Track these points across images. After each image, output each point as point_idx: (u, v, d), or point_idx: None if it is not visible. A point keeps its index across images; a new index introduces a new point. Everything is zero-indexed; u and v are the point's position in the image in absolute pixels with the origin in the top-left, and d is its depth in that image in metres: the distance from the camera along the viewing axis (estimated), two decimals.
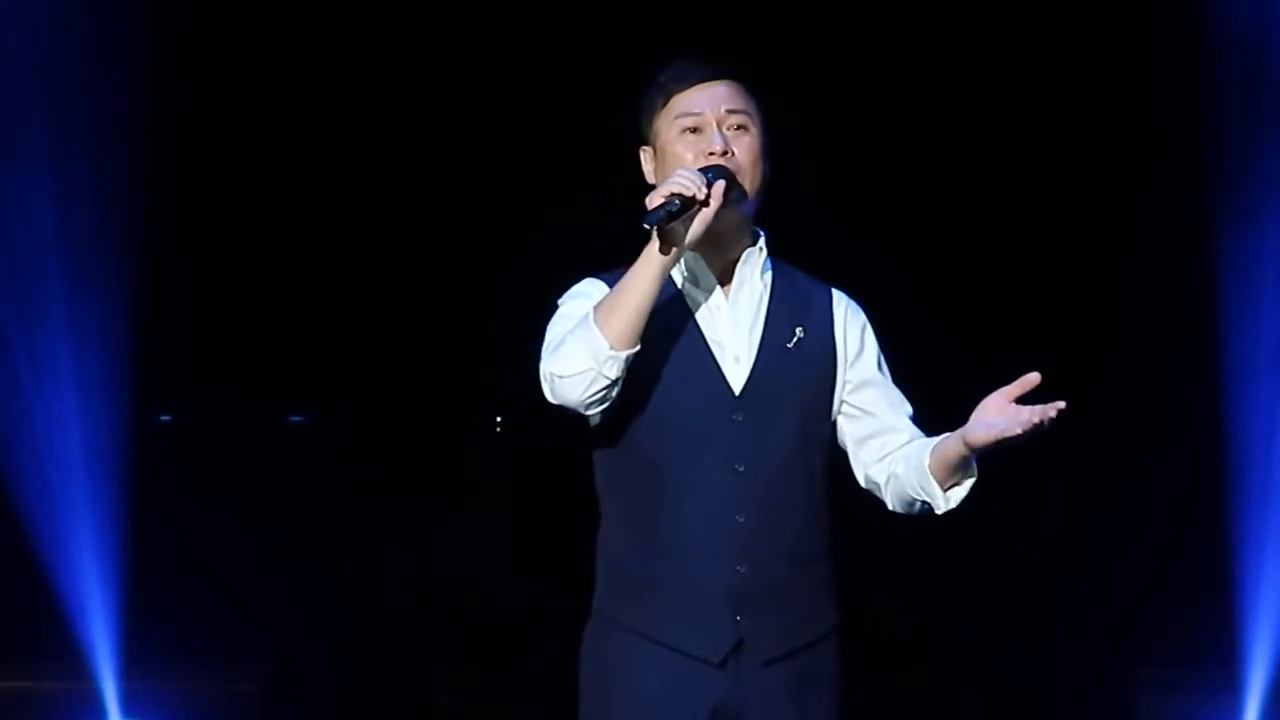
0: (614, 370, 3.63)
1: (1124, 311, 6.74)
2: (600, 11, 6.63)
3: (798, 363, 3.80)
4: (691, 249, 3.71)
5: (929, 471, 3.76)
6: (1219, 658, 6.33)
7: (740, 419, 3.75)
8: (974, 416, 3.69)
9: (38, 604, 6.41)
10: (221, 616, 6.76)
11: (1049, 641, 6.83)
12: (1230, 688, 6.33)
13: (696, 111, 3.78)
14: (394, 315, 7.06)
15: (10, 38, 6.30)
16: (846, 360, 3.86)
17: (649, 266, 3.64)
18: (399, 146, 6.88)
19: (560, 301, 3.85)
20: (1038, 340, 6.23)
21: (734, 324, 3.80)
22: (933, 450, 3.77)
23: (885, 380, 3.90)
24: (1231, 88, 6.24)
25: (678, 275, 3.82)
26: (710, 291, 3.82)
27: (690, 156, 3.76)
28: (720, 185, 3.66)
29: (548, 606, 6.09)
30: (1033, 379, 3.66)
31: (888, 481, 3.84)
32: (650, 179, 3.84)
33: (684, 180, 3.63)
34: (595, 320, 3.64)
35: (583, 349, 3.63)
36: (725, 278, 3.83)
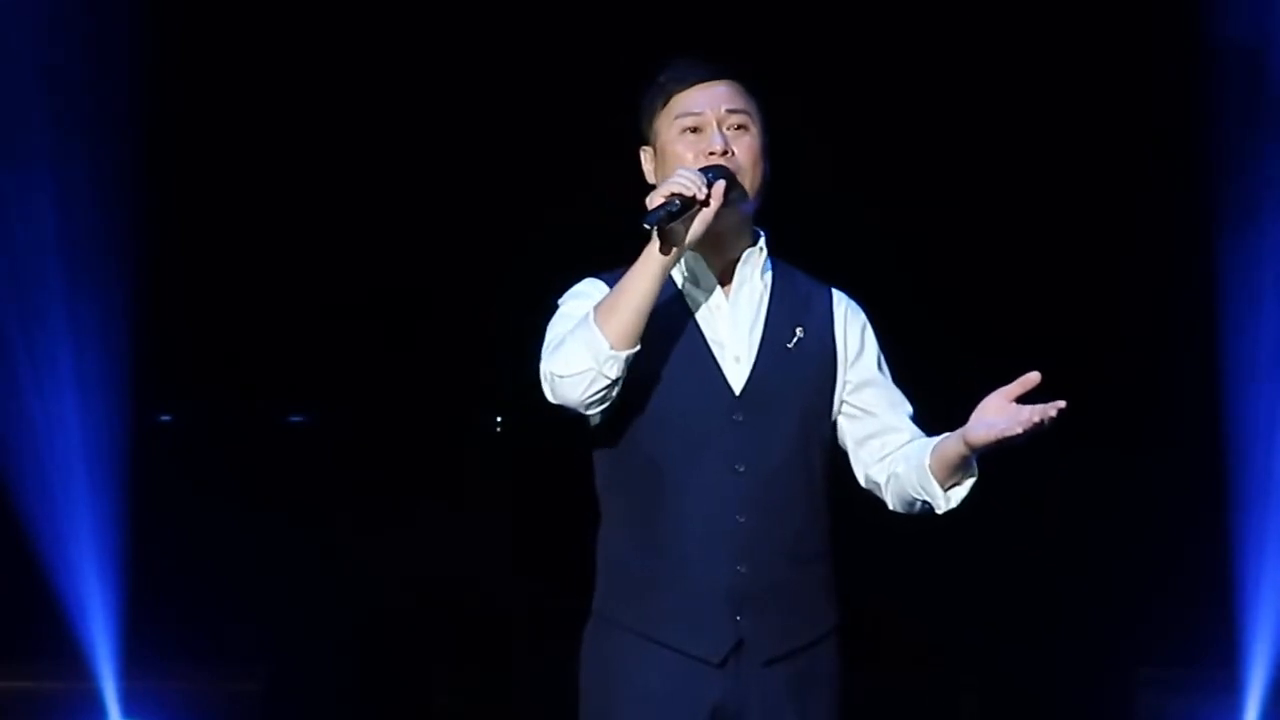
0: (614, 370, 3.63)
1: (1124, 311, 6.74)
2: (600, 11, 6.63)
3: (798, 363, 3.80)
4: (692, 249, 3.71)
5: (929, 471, 3.76)
6: (1219, 658, 6.33)
7: (740, 419, 3.75)
8: (974, 416, 3.69)
9: (38, 604, 6.42)
10: (221, 616, 6.76)
11: (1049, 641, 6.83)
12: (1230, 688, 6.33)
13: (696, 111, 3.78)
14: (394, 315, 7.06)
15: (10, 38, 6.30)
16: (846, 360, 3.86)
17: (649, 266, 3.64)
18: (399, 147, 6.88)
19: (560, 301, 3.84)
20: (1038, 340, 6.24)
21: (734, 324, 3.80)
22: (933, 450, 3.77)
23: (885, 380, 3.90)
24: (1231, 88, 6.25)
25: (678, 275, 3.82)
26: (710, 291, 3.82)
27: (690, 156, 3.76)
28: (720, 185, 3.66)
29: (548, 606, 6.09)
30: (1033, 378, 3.66)
31: (888, 481, 3.84)
32: (650, 179, 3.84)
33: (684, 180, 3.63)
34: (595, 320, 3.64)
35: (583, 349, 3.63)
36: (725, 278, 3.83)
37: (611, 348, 3.62)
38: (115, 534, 6.46)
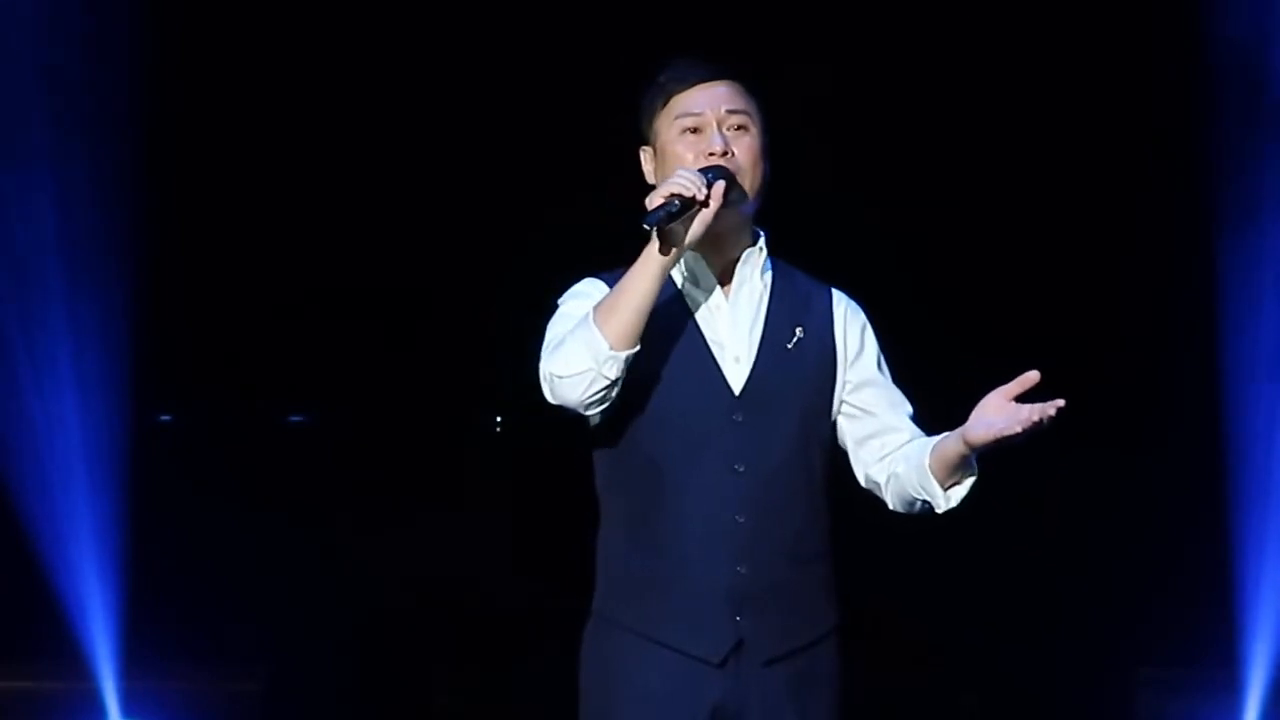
0: (614, 370, 3.63)
1: (1124, 311, 6.74)
2: (600, 11, 6.63)
3: (797, 363, 3.80)
4: (691, 249, 3.71)
5: (929, 471, 3.76)
6: (1219, 658, 6.33)
7: (740, 419, 3.75)
8: (973, 415, 3.69)
9: (38, 604, 6.41)
10: (221, 616, 6.76)
11: (1049, 641, 6.83)
12: (1230, 688, 6.33)
13: (696, 112, 3.78)
14: (394, 315, 7.06)
15: (10, 38, 6.30)
16: (846, 360, 3.86)
17: (649, 267, 3.64)
18: (399, 146, 6.88)
19: (560, 301, 3.85)
20: (1038, 340, 6.23)
21: (734, 324, 3.80)
22: (933, 449, 3.77)
23: (885, 380, 3.90)
24: (1231, 88, 6.24)
25: (678, 275, 3.82)
26: (710, 291, 3.82)
27: (690, 157, 3.76)
28: (720, 186, 3.66)
29: (548, 606, 6.08)
30: (1032, 377, 3.66)
31: (888, 481, 3.84)
32: (650, 179, 3.84)
33: (684, 181, 3.63)
34: (595, 320, 3.64)
35: (582, 349, 3.63)
36: (725, 278, 3.83)
37: (611, 348, 3.62)
38: (115, 534, 6.46)
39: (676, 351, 3.76)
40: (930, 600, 6.82)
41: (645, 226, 3.62)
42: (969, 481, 3.78)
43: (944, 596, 6.80)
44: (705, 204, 3.64)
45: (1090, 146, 6.70)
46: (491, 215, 6.86)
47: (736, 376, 3.77)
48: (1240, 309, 6.32)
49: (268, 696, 6.78)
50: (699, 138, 3.77)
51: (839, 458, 3.88)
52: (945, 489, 3.78)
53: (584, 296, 3.79)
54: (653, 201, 3.62)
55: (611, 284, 3.73)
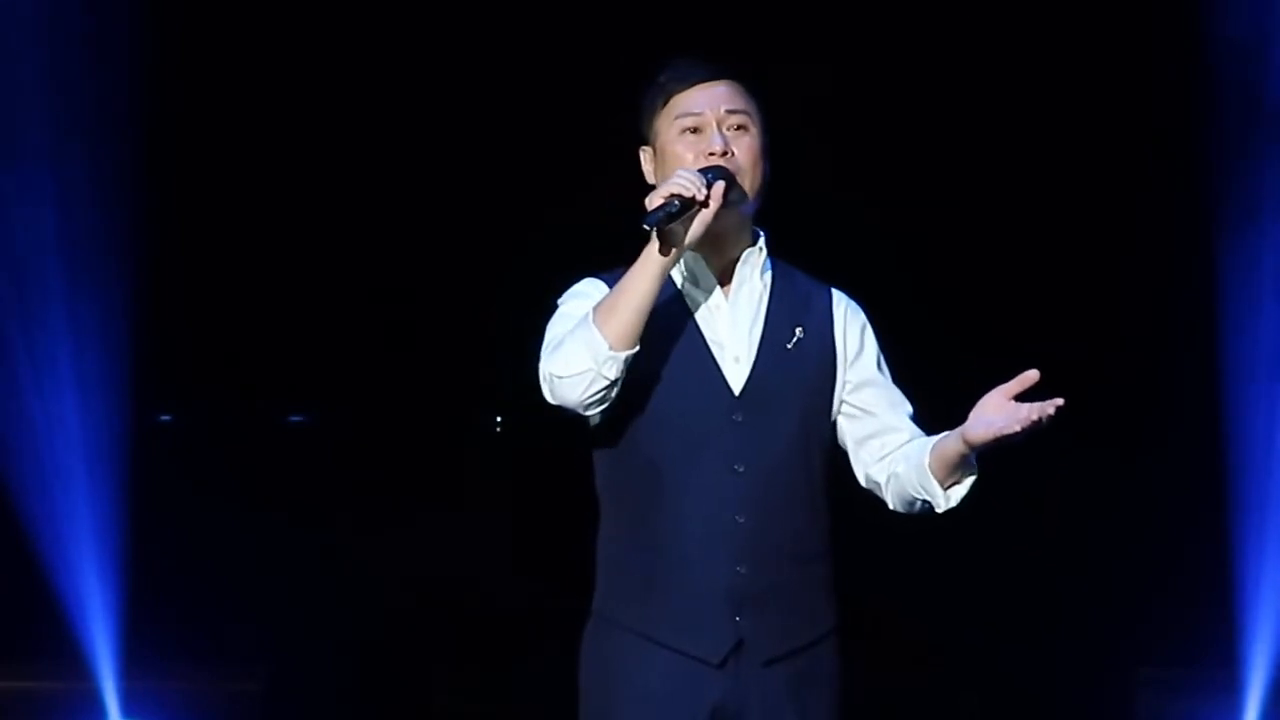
0: (613, 371, 3.63)
1: (1124, 311, 6.74)
2: (600, 11, 6.63)
3: (797, 363, 3.80)
4: (691, 249, 3.71)
5: (929, 470, 3.76)
6: (1219, 658, 6.33)
7: (740, 419, 3.75)
8: (973, 414, 3.69)
9: (38, 604, 6.41)
10: (221, 616, 6.76)
11: (1049, 641, 6.83)
12: (1230, 688, 6.33)
13: (696, 112, 3.78)
14: (394, 315, 7.06)
15: (10, 38, 6.30)
16: (846, 360, 3.86)
17: (648, 267, 3.64)
18: (399, 147, 6.88)
19: (560, 301, 3.84)
20: (1038, 340, 6.24)
21: (734, 324, 3.80)
22: (933, 449, 3.77)
23: (885, 380, 3.90)
24: (1231, 88, 6.24)
25: (677, 275, 3.82)
26: (710, 291, 3.82)
27: (690, 157, 3.76)
28: (720, 186, 3.66)
29: (548, 606, 6.08)
30: (1031, 376, 3.66)
31: (888, 481, 3.84)
32: (650, 179, 3.84)
33: (683, 181, 3.63)
34: (595, 321, 3.64)
35: (582, 349, 3.63)
36: (725, 278, 3.83)
37: (611, 348, 3.62)
38: (115, 534, 6.46)
39: (676, 351, 3.76)
40: (930, 600, 6.82)
41: (645, 227, 3.62)
42: (969, 481, 3.78)
43: (944, 596, 6.80)
44: (705, 204, 3.64)
45: (1090, 146, 6.70)
46: (491, 215, 6.86)
47: (736, 376, 3.77)
48: (1240, 309, 6.32)
49: (268, 696, 6.78)
50: (699, 138, 3.77)
51: (839, 458, 3.88)
52: (945, 489, 3.78)
53: (584, 296, 3.79)
54: (652, 202, 3.62)
55: (611, 284, 3.73)
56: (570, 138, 6.56)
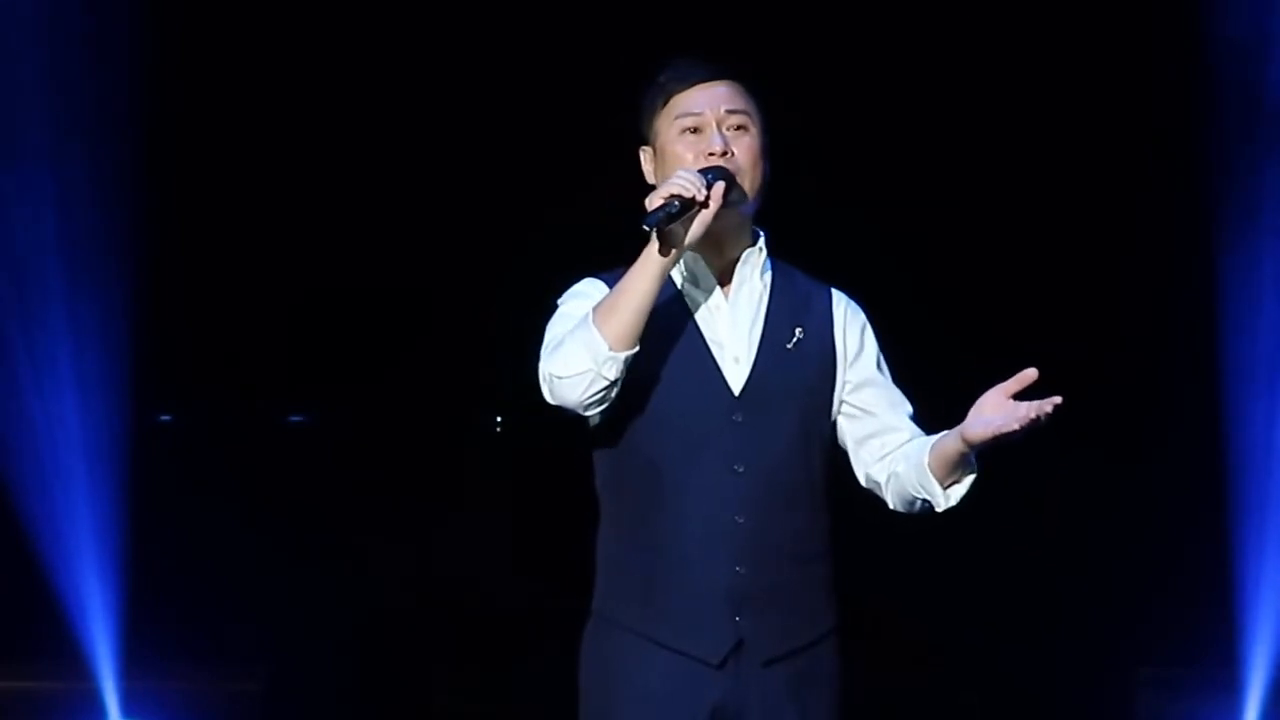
0: (613, 371, 3.63)
1: (1124, 311, 6.74)
2: (600, 11, 6.63)
3: (797, 363, 3.80)
4: (691, 249, 3.71)
5: (928, 469, 3.76)
6: (1219, 658, 6.33)
7: (740, 419, 3.75)
8: (972, 413, 3.69)
9: (38, 604, 6.41)
10: (221, 616, 6.76)
11: (1049, 641, 6.83)
12: (1230, 688, 6.33)
13: (696, 112, 3.78)
14: (394, 315, 7.06)
15: (10, 38, 6.30)
16: (846, 360, 3.86)
17: (648, 268, 3.64)
18: (399, 146, 6.88)
19: (560, 301, 3.84)
20: (1037, 340, 6.23)
21: (734, 324, 3.80)
22: (932, 448, 3.77)
23: (885, 380, 3.90)
24: (1231, 88, 6.24)
25: (677, 275, 3.82)
26: (710, 292, 3.82)
27: (690, 157, 3.76)
28: (720, 187, 3.66)
29: (548, 606, 6.08)
30: (1030, 375, 3.66)
31: (888, 481, 3.84)
32: (650, 179, 3.84)
33: (683, 182, 3.63)
34: (594, 321, 3.64)
35: (582, 350, 3.63)
36: (725, 278, 3.83)
37: (610, 349, 3.62)
38: (115, 534, 6.46)
39: (676, 352, 3.76)
40: (930, 600, 6.82)
41: (645, 228, 3.62)
42: (968, 480, 3.78)
43: (944, 596, 6.80)
44: (705, 205, 3.64)
45: (1090, 146, 6.70)
46: (491, 215, 6.86)
47: (736, 377, 3.77)
48: (1240, 309, 6.32)
49: (268, 696, 6.78)
50: (699, 138, 3.77)
51: (839, 458, 3.88)
52: (945, 488, 3.78)
53: (584, 296, 3.79)
54: (652, 202, 3.62)
55: (611, 284, 3.73)
56: (570, 138, 6.56)
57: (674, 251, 3.64)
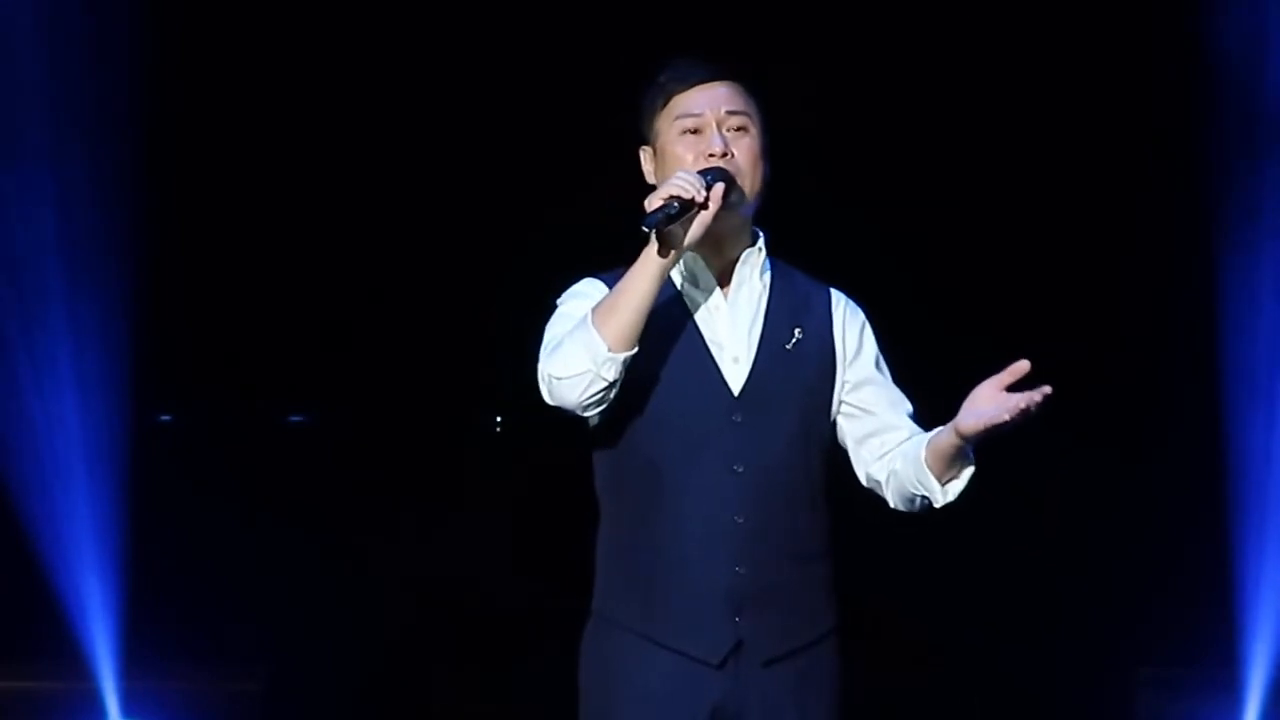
0: (612, 372, 3.63)
1: (1124, 311, 6.74)
2: (600, 11, 6.63)
3: (797, 363, 3.80)
4: (691, 250, 3.71)
5: (926, 465, 3.76)
6: (1219, 658, 6.33)
7: (739, 419, 3.75)
8: (965, 405, 3.69)
9: (38, 604, 6.41)
10: (221, 616, 6.75)
11: (1049, 641, 6.82)
12: (1230, 688, 6.33)
13: (697, 112, 3.78)
14: (394, 315, 7.06)
15: (10, 38, 6.29)
16: (845, 359, 3.86)
17: (648, 269, 3.64)
18: (399, 146, 6.88)
19: (559, 301, 3.84)
20: (1038, 340, 6.22)
21: (733, 324, 3.80)
22: (928, 444, 3.77)
23: (884, 379, 3.90)
24: (1231, 89, 6.24)
25: (677, 276, 3.82)
26: (709, 292, 3.82)
27: (690, 157, 3.76)
28: (719, 188, 3.66)
29: (548, 606, 6.08)
30: (1022, 366, 3.67)
31: (888, 479, 3.85)
32: (650, 179, 3.84)
33: (682, 183, 3.63)
34: (593, 322, 3.64)
35: (581, 351, 3.63)
36: (724, 278, 3.83)
37: (609, 350, 3.62)
38: (115, 534, 6.46)
39: (675, 352, 3.76)
40: (930, 600, 6.82)
41: (644, 229, 3.62)
42: (966, 474, 3.77)
43: (944, 596, 6.80)
44: (704, 206, 3.64)
45: (1090, 146, 6.70)
46: (491, 215, 6.86)
47: (735, 377, 3.77)
48: (1240, 309, 6.32)
49: (268, 696, 6.78)
50: (699, 138, 3.77)
51: (839, 458, 3.88)
52: (943, 484, 3.78)
53: (583, 296, 3.79)
54: (651, 204, 3.62)
55: (611, 284, 3.73)
56: (570, 138, 6.56)
57: (673, 253, 3.65)
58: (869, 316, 3.92)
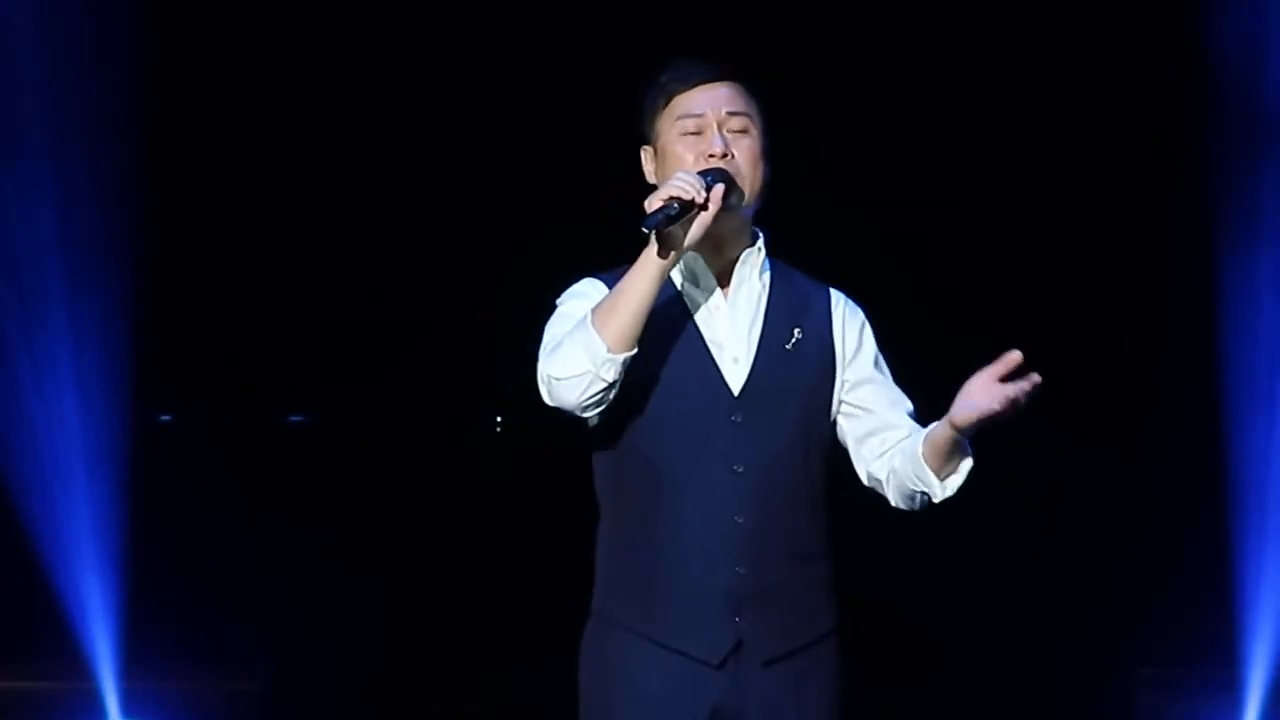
0: (611, 373, 3.63)
1: (1124, 311, 6.74)
2: (600, 11, 6.63)
3: (796, 363, 3.80)
4: (690, 250, 3.70)
5: (923, 460, 3.76)
6: (1219, 658, 6.33)
7: (739, 419, 3.75)
8: (958, 397, 3.69)
9: (38, 604, 6.41)
10: (221, 616, 6.75)
11: (1049, 641, 6.82)
12: (1230, 688, 6.33)
13: (697, 113, 3.78)
14: (394, 315, 7.06)
15: (10, 38, 6.29)
16: (845, 359, 3.86)
17: (647, 269, 3.64)
18: (399, 146, 6.88)
19: (559, 301, 3.85)
20: (1038, 340, 6.22)
21: (733, 324, 3.80)
22: (925, 438, 3.77)
23: (883, 378, 3.90)
24: (1231, 89, 6.24)
25: (677, 276, 3.82)
26: (709, 292, 3.82)
27: (690, 158, 3.76)
28: (719, 189, 3.66)
29: (548, 606, 6.08)
30: (1014, 357, 3.67)
31: (888, 477, 3.85)
32: (651, 179, 3.84)
33: (682, 184, 3.63)
34: (593, 322, 3.64)
35: (580, 351, 3.63)
36: (724, 278, 3.83)
37: (609, 350, 3.62)
38: (115, 534, 6.46)
39: (675, 352, 3.77)
40: (930, 600, 6.82)
41: (644, 230, 3.62)
42: (964, 468, 3.77)
43: (944, 596, 6.80)
44: (704, 207, 3.64)
45: (1090, 146, 6.70)
46: (491, 215, 6.86)
47: (735, 377, 3.77)
48: (1240, 309, 6.32)
49: (268, 696, 6.78)
50: (699, 139, 3.77)
51: (839, 458, 3.88)
52: (941, 479, 3.77)
53: (583, 297, 3.79)
54: (651, 205, 3.62)
55: (611, 284, 3.73)
56: (570, 138, 6.56)
57: (673, 254, 3.65)
58: (868, 316, 3.92)
